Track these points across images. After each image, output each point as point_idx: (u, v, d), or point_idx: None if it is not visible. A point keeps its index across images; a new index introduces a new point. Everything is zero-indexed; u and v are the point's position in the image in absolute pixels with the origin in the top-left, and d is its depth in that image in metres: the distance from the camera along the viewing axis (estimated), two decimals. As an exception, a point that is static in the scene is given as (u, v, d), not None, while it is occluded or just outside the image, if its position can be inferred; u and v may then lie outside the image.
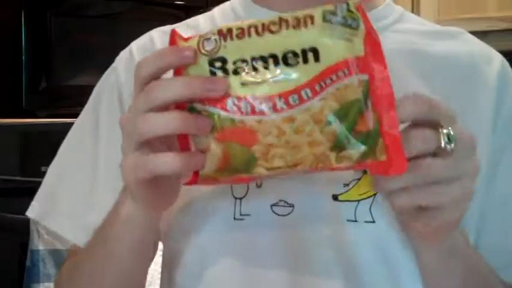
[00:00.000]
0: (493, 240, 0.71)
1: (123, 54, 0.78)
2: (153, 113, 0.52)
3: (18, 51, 1.96)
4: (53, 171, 0.78)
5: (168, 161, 0.52)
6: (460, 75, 0.73)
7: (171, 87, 0.52)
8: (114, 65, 0.78)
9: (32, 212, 0.77)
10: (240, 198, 0.67)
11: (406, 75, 0.72)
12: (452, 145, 0.53)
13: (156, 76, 0.54)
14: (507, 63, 0.76)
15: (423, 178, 0.53)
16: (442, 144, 0.52)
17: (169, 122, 0.52)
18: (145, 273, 0.70)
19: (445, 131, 0.53)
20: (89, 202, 0.75)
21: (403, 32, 0.76)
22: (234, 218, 0.67)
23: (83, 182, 0.75)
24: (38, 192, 0.78)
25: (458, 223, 0.57)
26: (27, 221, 1.70)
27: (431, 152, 0.53)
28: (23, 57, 1.96)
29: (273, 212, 0.67)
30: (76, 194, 0.76)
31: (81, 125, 0.78)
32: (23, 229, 1.76)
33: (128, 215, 0.61)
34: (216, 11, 0.80)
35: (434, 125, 0.53)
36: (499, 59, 0.76)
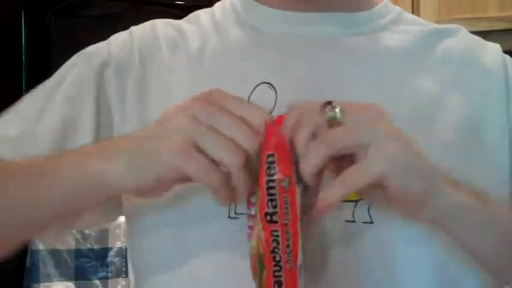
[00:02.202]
0: None
1: (121, 34, 0.78)
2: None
3: (18, 51, 1.95)
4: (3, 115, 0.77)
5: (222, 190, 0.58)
6: (463, 68, 0.74)
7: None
8: (110, 39, 0.78)
9: None
10: None
11: (408, 75, 0.72)
12: (335, 111, 0.56)
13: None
14: (504, 54, 0.77)
15: (327, 147, 0.55)
16: (324, 113, 0.56)
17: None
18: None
19: (323, 105, 0.56)
20: (17, 118, 0.74)
21: (401, 31, 0.76)
22: (229, 217, 0.67)
23: (27, 116, 0.74)
24: None
25: (419, 187, 0.57)
26: None
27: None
28: (23, 57, 1.96)
29: None
30: (11, 115, 0.75)
31: (41, 86, 0.78)
32: None
33: (104, 176, 0.60)
34: (217, 7, 0.80)
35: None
36: (498, 48, 0.77)
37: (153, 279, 0.71)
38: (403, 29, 0.76)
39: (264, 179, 0.56)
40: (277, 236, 0.56)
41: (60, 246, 1.88)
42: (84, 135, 0.72)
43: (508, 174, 0.71)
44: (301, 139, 0.56)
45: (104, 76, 0.74)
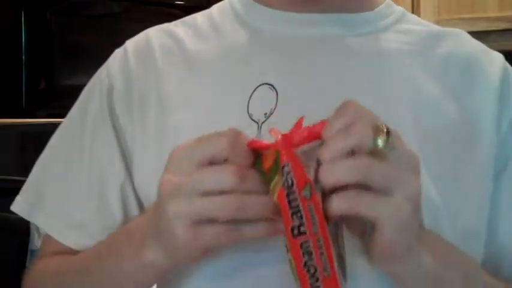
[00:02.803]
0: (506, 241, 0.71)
1: (118, 52, 0.79)
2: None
3: (18, 51, 1.95)
4: (39, 165, 0.79)
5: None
6: (464, 74, 0.73)
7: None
8: (107, 62, 0.79)
9: (16, 207, 0.77)
10: None
11: (410, 75, 0.72)
12: (388, 144, 0.53)
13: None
14: (508, 65, 0.76)
15: (358, 174, 0.53)
16: (378, 142, 0.53)
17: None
18: None
19: (381, 133, 0.54)
20: (75, 200, 0.74)
21: (404, 32, 0.76)
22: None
23: (68, 180, 0.75)
24: (23, 187, 0.78)
25: (403, 249, 0.56)
26: (27, 221, 1.70)
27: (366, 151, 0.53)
28: (23, 57, 1.96)
29: None
30: (61, 192, 0.75)
31: (68, 121, 0.79)
32: (23, 229, 1.76)
33: (151, 262, 0.61)
34: (215, 8, 0.80)
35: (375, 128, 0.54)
36: (499, 56, 0.76)
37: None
38: (406, 30, 0.76)
39: (283, 193, 0.53)
40: (308, 246, 0.54)
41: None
42: (117, 176, 0.73)
43: (490, 188, 0.71)
44: (340, 148, 0.53)
45: (113, 105, 0.75)
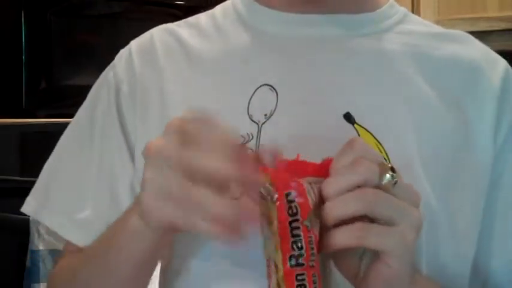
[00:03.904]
0: (499, 255, 0.71)
1: (123, 53, 0.79)
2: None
3: (18, 51, 1.95)
4: (49, 167, 0.79)
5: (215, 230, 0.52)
6: (466, 80, 0.73)
7: None
8: (113, 62, 0.79)
9: (27, 208, 0.77)
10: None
11: (411, 77, 0.72)
12: (392, 181, 0.54)
13: None
14: (511, 70, 0.75)
15: (365, 204, 0.53)
16: (383, 178, 0.54)
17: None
18: None
19: (386, 170, 0.54)
20: (83, 199, 0.75)
21: (406, 33, 0.75)
22: None
23: (77, 179, 0.76)
24: (33, 188, 0.78)
25: (403, 280, 0.56)
26: (27, 221, 1.70)
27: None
28: (23, 57, 1.96)
29: None
30: (70, 190, 0.76)
31: (77, 122, 0.79)
32: (23, 229, 1.76)
33: (135, 228, 0.60)
34: (218, 9, 0.80)
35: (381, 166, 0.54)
36: (503, 64, 0.75)
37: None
38: (408, 31, 0.76)
39: (286, 220, 0.51)
40: (303, 280, 0.52)
41: (60, 246, 1.88)
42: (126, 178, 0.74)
43: (481, 206, 0.70)
44: (346, 184, 0.53)
45: (120, 105, 0.75)
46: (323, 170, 0.55)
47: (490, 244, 0.71)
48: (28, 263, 1.84)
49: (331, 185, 0.54)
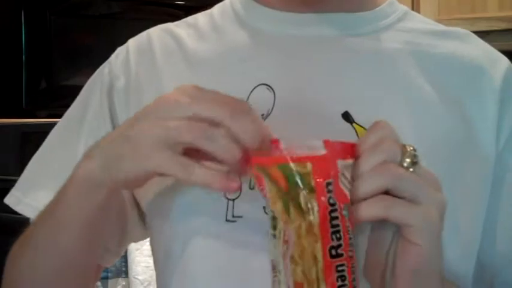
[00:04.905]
0: (502, 255, 0.71)
1: (120, 50, 0.79)
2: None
3: (18, 51, 1.95)
4: (35, 159, 0.79)
5: (207, 178, 0.54)
6: (467, 78, 0.72)
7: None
8: (109, 59, 0.79)
9: (9, 199, 0.78)
10: (233, 200, 0.66)
11: (411, 76, 0.71)
12: (414, 162, 0.54)
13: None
14: None
15: (391, 179, 0.53)
16: (405, 159, 0.54)
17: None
18: (92, 263, 0.69)
19: (409, 149, 0.55)
20: None
21: (406, 31, 0.75)
22: (226, 220, 0.66)
23: (60, 172, 0.75)
24: (18, 180, 0.78)
25: (432, 265, 0.55)
26: (27, 221, 1.70)
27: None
28: (23, 57, 1.96)
29: (266, 213, 0.66)
30: (53, 183, 0.75)
31: (68, 116, 0.79)
32: (23, 229, 1.76)
33: (91, 181, 0.60)
34: (216, 9, 0.80)
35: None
36: (505, 62, 0.74)
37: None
38: (408, 28, 0.75)
39: (326, 210, 0.50)
40: (343, 270, 0.51)
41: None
42: None
43: (484, 205, 0.70)
44: (372, 163, 0.54)
45: (113, 102, 0.76)
46: (349, 151, 0.54)
47: (495, 242, 0.71)
48: (28, 263, 1.84)
49: (362, 164, 0.54)
